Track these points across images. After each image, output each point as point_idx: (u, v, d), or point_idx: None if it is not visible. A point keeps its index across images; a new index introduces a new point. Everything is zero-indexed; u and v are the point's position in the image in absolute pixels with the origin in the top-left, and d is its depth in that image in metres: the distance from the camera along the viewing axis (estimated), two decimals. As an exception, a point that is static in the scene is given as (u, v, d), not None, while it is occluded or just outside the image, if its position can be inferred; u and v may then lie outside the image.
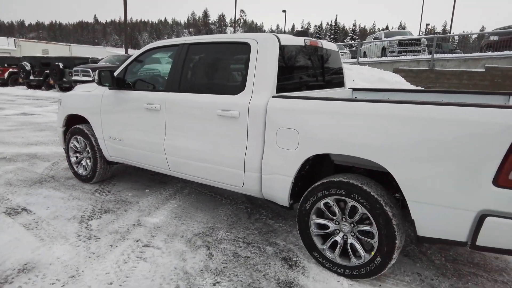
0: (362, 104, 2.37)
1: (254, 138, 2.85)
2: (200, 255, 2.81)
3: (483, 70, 14.22)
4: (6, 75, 20.94)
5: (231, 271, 2.60)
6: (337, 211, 2.55)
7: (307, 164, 2.76)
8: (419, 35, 44.21)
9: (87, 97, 4.20)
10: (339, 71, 3.95)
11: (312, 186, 2.62)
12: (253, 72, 2.88)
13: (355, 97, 4.04)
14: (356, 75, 14.86)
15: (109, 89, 3.91)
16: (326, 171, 2.93)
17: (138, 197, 4.02)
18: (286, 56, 3.00)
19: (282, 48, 2.91)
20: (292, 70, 3.14)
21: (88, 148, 4.31)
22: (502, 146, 1.91)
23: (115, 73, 3.86)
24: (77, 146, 4.46)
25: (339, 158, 2.81)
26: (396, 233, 2.29)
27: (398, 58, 16.83)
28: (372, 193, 2.34)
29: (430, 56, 15.65)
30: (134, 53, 4.11)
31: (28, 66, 18.41)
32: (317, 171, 2.93)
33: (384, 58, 17.59)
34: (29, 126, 8.39)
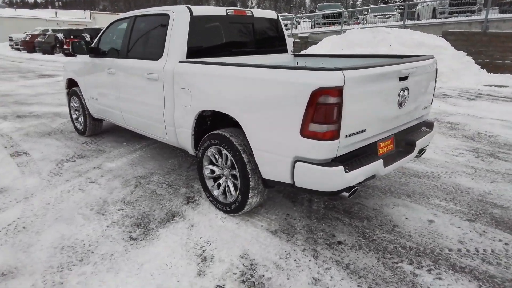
0: (221, 67, 2.79)
1: (168, 97, 3.40)
2: (125, 191, 3.53)
3: (545, 31, 12.64)
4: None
5: (139, 203, 3.28)
6: (218, 159, 3.05)
7: (207, 120, 3.26)
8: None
9: (77, 64, 5.04)
10: (280, 38, 4.24)
11: (202, 138, 3.14)
12: (169, 40, 3.38)
13: (297, 63, 4.31)
14: (394, 38, 14.15)
15: (90, 56, 4.67)
16: (226, 126, 3.39)
17: (114, 148, 4.84)
18: (201, 26, 3.43)
19: (194, 19, 3.35)
20: (209, 37, 3.56)
21: (80, 107, 5.21)
22: (303, 102, 2.25)
23: (94, 43, 4.60)
24: (75, 105, 5.38)
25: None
26: (250, 176, 2.74)
27: (448, 19, 15.51)
28: (235, 143, 2.80)
29: (483, 17, 14.20)
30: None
31: (88, 37, 20.43)
32: (220, 127, 3.40)
33: (433, 20, 16.32)
34: (70, 90, 9.74)
